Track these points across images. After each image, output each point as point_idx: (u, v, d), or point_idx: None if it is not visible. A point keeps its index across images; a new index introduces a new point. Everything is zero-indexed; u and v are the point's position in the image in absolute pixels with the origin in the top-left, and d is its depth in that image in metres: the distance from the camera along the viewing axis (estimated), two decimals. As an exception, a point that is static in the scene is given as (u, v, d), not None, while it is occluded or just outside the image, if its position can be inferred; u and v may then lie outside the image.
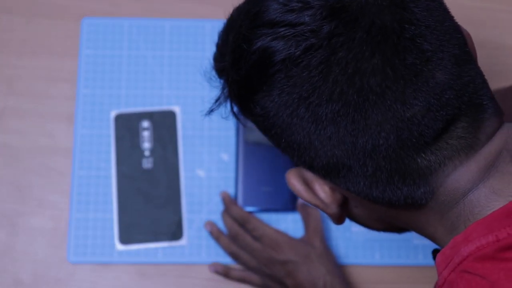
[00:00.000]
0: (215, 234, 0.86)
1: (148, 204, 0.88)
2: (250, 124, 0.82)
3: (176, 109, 0.91)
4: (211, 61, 0.62)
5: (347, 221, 0.88)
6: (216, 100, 0.59)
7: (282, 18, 0.50)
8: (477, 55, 0.57)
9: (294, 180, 0.56)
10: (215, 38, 0.93)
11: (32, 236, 0.87)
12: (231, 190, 0.89)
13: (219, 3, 0.95)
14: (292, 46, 0.50)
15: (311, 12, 0.49)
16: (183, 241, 0.87)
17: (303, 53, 0.49)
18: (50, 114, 0.91)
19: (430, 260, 0.87)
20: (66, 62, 0.92)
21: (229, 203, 0.86)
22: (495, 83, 0.93)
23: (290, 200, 0.88)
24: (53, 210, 0.88)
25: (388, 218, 0.57)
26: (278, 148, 0.56)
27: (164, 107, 0.91)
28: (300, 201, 0.87)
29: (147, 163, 0.89)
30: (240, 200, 0.87)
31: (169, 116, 0.90)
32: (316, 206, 0.56)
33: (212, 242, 0.87)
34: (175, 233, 0.87)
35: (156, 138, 0.90)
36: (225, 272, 0.84)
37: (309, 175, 0.56)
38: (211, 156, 0.90)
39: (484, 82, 0.54)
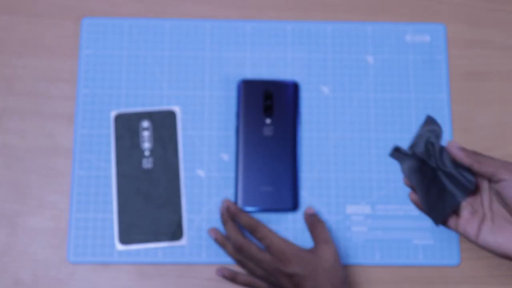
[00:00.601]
0: (220, 241, 0.85)
1: (148, 204, 0.88)
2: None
3: (176, 109, 0.91)
4: None
5: (347, 221, 0.88)
6: None
7: None
8: None
9: None
10: (215, 38, 0.93)
11: (32, 236, 0.87)
12: (231, 190, 0.89)
13: (219, 3, 0.95)
14: None
15: None
16: (183, 241, 0.87)
17: None
18: (50, 114, 0.91)
19: (430, 261, 0.87)
20: (66, 62, 0.92)
21: (236, 211, 0.84)
22: (496, 84, 0.93)
23: (290, 200, 0.88)
24: (53, 210, 0.88)
25: None
26: None
27: (164, 107, 0.91)
28: (307, 210, 0.86)
29: (147, 163, 0.89)
30: (240, 200, 0.87)
31: (169, 116, 0.90)
32: None
33: (212, 243, 0.87)
34: (175, 233, 0.87)
35: (156, 138, 0.90)
36: (232, 277, 0.84)
37: None
38: (211, 156, 0.90)
39: None
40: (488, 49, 0.94)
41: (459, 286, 0.87)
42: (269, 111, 0.89)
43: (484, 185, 0.72)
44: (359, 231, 0.88)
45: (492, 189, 0.71)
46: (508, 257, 0.69)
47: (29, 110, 0.91)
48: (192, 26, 0.94)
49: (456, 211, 0.73)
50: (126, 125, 0.90)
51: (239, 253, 0.83)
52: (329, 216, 0.88)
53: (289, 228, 0.88)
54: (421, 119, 0.91)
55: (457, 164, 0.72)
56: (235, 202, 0.88)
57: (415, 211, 0.88)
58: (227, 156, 0.90)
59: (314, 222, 0.85)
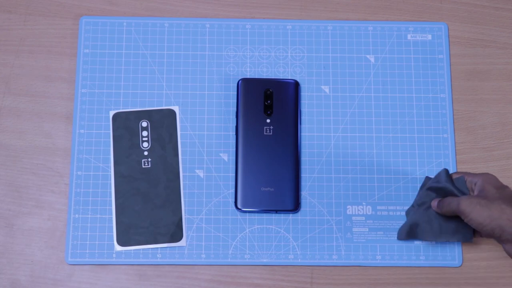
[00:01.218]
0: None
1: (147, 205, 0.87)
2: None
3: (176, 108, 0.90)
4: None
5: (348, 222, 0.87)
6: None
7: None
8: None
9: None
10: (215, 37, 0.93)
11: (29, 237, 0.87)
12: (230, 191, 0.88)
13: (219, 2, 0.94)
14: None
15: None
16: (182, 242, 0.87)
17: None
18: (48, 114, 0.90)
19: (432, 261, 0.87)
20: (64, 61, 0.92)
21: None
22: (498, 83, 0.93)
23: (290, 201, 0.87)
24: (51, 210, 0.87)
25: None
26: None
27: (164, 107, 0.90)
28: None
29: (146, 163, 0.88)
30: (239, 201, 0.87)
31: (169, 116, 0.90)
32: None
33: (212, 243, 0.87)
34: (175, 234, 0.87)
35: (155, 138, 0.89)
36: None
37: None
38: (210, 156, 0.89)
39: None
40: (490, 48, 0.94)
41: (461, 287, 0.87)
42: (269, 110, 0.89)
43: None
44: (360, 232, 0.88)
45: None
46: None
47: (27, 109, 0.90)
48: (192, 25, 0.93)
49: None
50: (125, 125, 0.89)
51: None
52: (329, 217, 0.88)
53: (290, 228, 0.88)
54: (422, 119, 0.91)
55: None
56: (235, 203, 0.87)
57: (416, 212, 0.88)
58: (227, 156, 0.89)
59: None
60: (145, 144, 0.89)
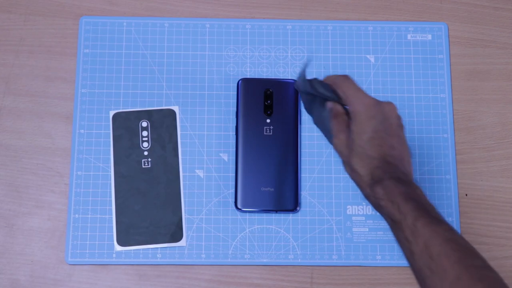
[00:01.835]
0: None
1: (147, 205, 0.87)
2: None
3: (176, 108, 0.90)
4: None
5: (348, 222, 0.87)
6: None
7: None
8: None
9: None
10: (214, 37, 0.93)
11: (29, 237, 0.87)
12: (230, 191, 0.88)
13: (219, 2, 0.94)
14: None
15: None
16: (182, 242, 0.87)
17: None
18: (48, 114, 0.90)
19: (431, 261, 0.87)
20: (64, 61, 0.92)
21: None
22: (498, 83, 0.93)
23: (290, 201, 0.87)
24: (51, 210, 0.87)
25: None
26: None
27: (164, 107, 0.90)
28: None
29: (146, 163, 0.88)
30: (239, 201, 0.87)
31: (169, 116, 0.90)
32: None
33: (212, 243, 0.87)
34: (175, 234, 0.87)
35: (155, 138, 0.89)
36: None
37: None
38: (210, 156, 0.89)
39: None
40: (490, 48, 0.94)
41: (461, 287, 0.87)
42: (269, 110, 0.89)
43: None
44: (360, 232, 0.88)
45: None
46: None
47: (27, 109, 0.90)
48: (192, 25, 0.93)
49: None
50: (125, 125, 0.89)
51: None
52: (329, 217, 0.88)
53: (290, 228, 0.87)
54: (422, 119, 0.90)
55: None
56: (235, 203, 0.87)
57: (416, 212, 0.88)
58: (227, 156, 0.89)
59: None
60: (145, 144, 0.89)
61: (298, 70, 0.86)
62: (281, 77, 0.92)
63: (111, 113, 0.90)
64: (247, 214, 0.88)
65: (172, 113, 0.90)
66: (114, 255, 0.86)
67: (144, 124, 0.90)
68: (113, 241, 0.86)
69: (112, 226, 0.87)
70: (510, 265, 0.88)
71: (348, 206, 0.88)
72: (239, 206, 0.87)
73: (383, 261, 0.87)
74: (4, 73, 0.91)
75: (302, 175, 0.89)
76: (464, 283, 0.60)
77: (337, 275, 0.87)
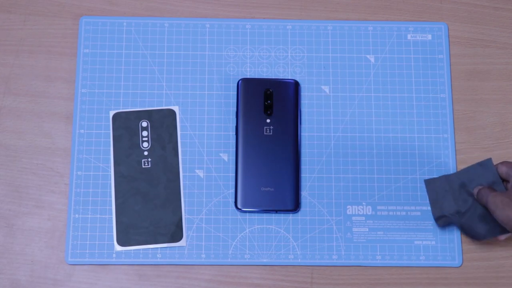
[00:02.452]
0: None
1: (147, 205, 0.87)
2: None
3: (176, 108, 0.90)
4: None
5: (348, 222, 0.87)
6: None
7: None
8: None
9: None
10: (214, 37, 0.93)
11: (29, 237, 0.87)
12: (230, 191, 0.88)
13: (219, 2, 0.94)
14: None
15: None
16: (182, 242, 0.87)
17: None
18: (48, 114, 0.90)
19: (432, 261, 0.87)
20: (64, 61, 0.92)
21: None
22: (498, 83, 0.93)
23: (290, 201, 0.87)
24: (51, 210, 0.87)
25: None
26: None
27: (164, 107, 0.90)
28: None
29: (146, 163, 0.88)
30: (239, 201, 0.87)
31: (169, 116, 0.90)
32: None
33: (212, 243, 0.87)
34: (175, 234, 0.87)
35: (155, 138, 0.89)
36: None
37: None
38: (210, 156, 0.89)
39: None
40: (490, 48, 0.94)
41: (461, 287, 0.87)
42: (269, 110, 0.89)
43: None
44: (360, 232, 0.88)
45: None
46: None
47: (27, 109, 0.90)
48: (192, 25, 0.93)
49: None
50: (125, 125, 0.89)
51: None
52: (329, 217, 0.88)
53: (290, 228, 0.87)
54: (422, 119, 0.91)
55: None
56: (235, 203, 0.87)
57: (416, 212, 0.88)
58: (227, 156, 0.89)
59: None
60: (145, 144, 0.89)
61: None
62: (281, 77, 0.92)
63: (111, 113, 0.90)
64: (247, 214, 0.88)
65: (172, 113, 0.90)
66: (114, 255, 0.86)
67: (144, 124, 0.90)
68: (113, 241, 0.86)
69: (112, 226, 0.87)
70: (510, 265, 0.88)
71: (348, 206, 0.88)
72: (239, 206, 0.87)
73: (383, 261, 0.87)
74: (4, 73, 0.91)
75: (302, 175, 0.89)
76: None
77: (337, 275, 0.87)
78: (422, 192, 0.89)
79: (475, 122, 0.91)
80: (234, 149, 0.89)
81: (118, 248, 0.86)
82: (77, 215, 0.87)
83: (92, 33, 0.92)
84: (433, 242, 0.87)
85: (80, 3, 0.94)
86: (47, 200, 0.88)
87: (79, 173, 0.88)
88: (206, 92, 0.91)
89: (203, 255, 0.87)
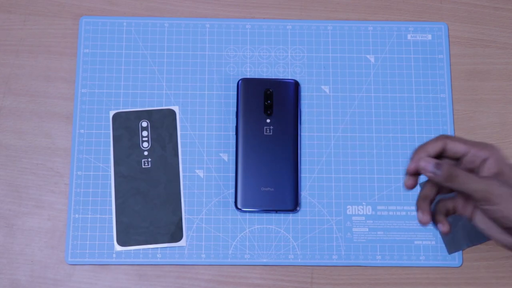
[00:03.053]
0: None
1: (147, 205, 0.87)
2: None
3: (176, 108, 0.90)
4: None
5: (348, 222, 0.87)
6: None
7: None
8: None
9: None
10: (214, 37, 0.93)
11: (29, 237, 0.87)
12: (230, 191, 0.88)
13: (219, 2, 0.94)
14: None
15: None
16: (182, 242, 0.87)
17: None
18: (48, 114, 0.90)
19: (432, 261, 0.87)
20: (64, 61, 0.92)
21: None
22: (498, 83, 0.93)
23: (290, 201, 0.87)
24: (51, 210, 0.87)
25: None
26: None
27: (164, 107, 0.90)
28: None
29: (146, 163, 0.88)
30: (239, 200, 0.87)
31: (169, 116, 0.90)
32: None
33: (212, 243, 0.87)
34: (174, 234, 0.87)
35: (155, 138, 0.89)
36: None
37: None
38: (210, 156, 0.89)
39: None
40: (490, 48, 0.94)
41: (461, 287, 0.87)
42: (269, 110, 0.89)
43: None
44: (360, 232, 0.88)
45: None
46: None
47: (27, 109, 0.90)
48: (192, 25, 0.93)
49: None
50: (125, 125, 0.89)
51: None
52: (329, 217, 0.88)
53: (290, 228, 0.87)
54: (422, 119, 0.90)
55: None
56: (235, 203, 0.87)
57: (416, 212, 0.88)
58: (227, 156, 0.89)
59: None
60: (145, 144, 0.89)
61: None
62: (281, 77, 0.92)
63: (111, 113, 0.90)
64: (247, 214, 0.88)
65: (172, 113, 0.90)
66: (114, 255, 0.86)
67: (144, 124, 0.89)
68: (113, 241, 0.86)
69: (112, 226, 0.87)
70: (510, 265, 0.88)
71: (348, 206, 0.88)
72: (239, 206, 0.87)
73: (383, 261, 0.87)
74: (4, 73, 0.91)
75: (302, 175, 0.89)
76: None
77: (337, 275, 0.87)
78: (422, 192, 0.88)
79: (475, 122, 0.91)
80: (234, 149, 0.89)
81: (118, 248, 0.86)
82: (77, 215, 0.87)
83: (92, 33, 0.92)
84: (433, 242, 0.87)
85: (80, 3, 0.94)
86: (47, 200, 0.88)
87: (79, 173, 0.88)
88: (206, 92, 0.91)
89: (203, 255, 0.87)
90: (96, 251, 0.86)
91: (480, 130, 0.91)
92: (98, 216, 0.87)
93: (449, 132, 0.90)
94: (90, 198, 0.87)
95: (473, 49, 0.94)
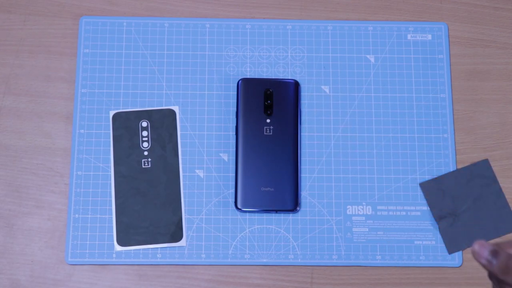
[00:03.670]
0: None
1: (147, 205, 0.87)
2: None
3: (176, 108, 0.90)
4: None
5: (348, 222, 0.87)
6: None
7: None
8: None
9: None
10: (214, 37, 0.93)
11: (29, 237, 0.87)
12: (230, 191, 0.88)
13: (219, 2, 0.94)
14: None
15: None
16: (182, 242, 0.87)
17: None
18: (48, 114, 0.90)
19: (432, 261, 0.87)
20: (64, 61, 0.92)
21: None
22: (498, 83, 0.93)
23: (290, 201, 0.87)
24: (51, 210, 0.87)
25: None
26: None
27: (164, 107, 0.90)
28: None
29: (146, 163, 0.88)
30: (239, 200, 0.87)
31: (169, 116, 0.90)
32: None
33: (212, 243, 0.87)
34: (175, 234, 0.87)
35: (155, 138, 0.89)
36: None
37: None
38: (210, 156, 0.89)
39: None
40: (490, 48, 0.94)
41: (461, 287, 0.87)
42: (269, 110, 0.89)
43: None
44: (360, 232, 0.88)
45: None
46: None
47: (27, 109, 0.90)
48: (192, 25, 0.93)
49: None
50: (125, 125, 0.89)
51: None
52: (329, 217, 0.88)
53: (290, 228, 0.87)
54: (422, 119, 0.91)
55: None
56: (235, 203, 0.87)
57: (416, 212, 0.88)
58: (227, 156, 0.89)
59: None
60: (145, 144, 0.89)
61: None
62: (281, 77, 0.92)
63: (111, 113, 0.90)
64: (247, 214, 0.88)
65: (172, 113, 0.90)
66: (114, 255, 0.86)
67: (144, 124, 0.89)
68: (113, 241, 0.86)
69: (112, 226, 0.87)
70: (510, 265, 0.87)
71: (348, 206, 0.88)
72: (239, 206, 0.87)
73: (383, 261, 0.87)
74: (4, 73, 0.91)
75: (302, 175, 0.89)
76: None
77: (337, 275, 0.87)
78: (422, 192, 0.88)
79: (475, 122, 0.91)
80: (234, 149, 0.89)
81: (118, 248, 0.86)
82: (77, 215, 0.87)
83: (92, 33, 0.92)
84: (433, 242, 0.87)
85: (80, 3, 0.94)
86: (47, 200, 0.88)
87: (79, 173, 0.88)
88: (206, 92, 0.91)
89: (203, 255, 0.87)
90: (96, 251, 0.86)
91: (480, 130, 0.91)
92: (98, 216, 0.87)
93: (449, 132, 0.90)
94: (90, 198, 0.87)
95: (473, 49, 0.94)
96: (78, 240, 0.86)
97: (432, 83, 0.92)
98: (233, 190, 0.88)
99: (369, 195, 0.88)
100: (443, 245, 0.87)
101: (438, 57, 0.93)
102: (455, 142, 0.90)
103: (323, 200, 0.88)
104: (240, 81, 0.90)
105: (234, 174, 0.89)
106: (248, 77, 0.91)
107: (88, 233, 0.87)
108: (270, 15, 0.94)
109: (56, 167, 0.89)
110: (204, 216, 0.88)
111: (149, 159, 0.88)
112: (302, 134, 0.90)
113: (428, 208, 0.88)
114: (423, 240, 0.87)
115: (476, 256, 0.60)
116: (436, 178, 0.87)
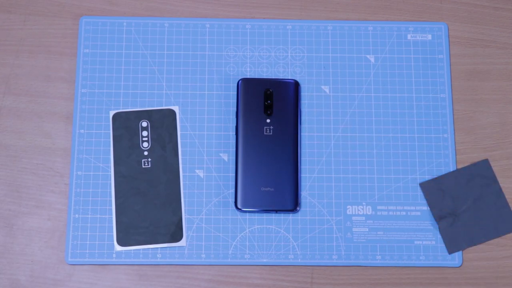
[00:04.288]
0: None
1: (147, 205, 0.87)
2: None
3: (176, 108, 0.90)
4: None
5: (348, 222, 0.87)
6: None
7: None
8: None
9: None
10: (214, 37, 0.93)
11: (29, 237, 0.87)
12: (230, 191, 0.88)
13: (219, 2, 0.94)
14: None
15: None
16: (182, 242, 0.87)
17: None
18: (48, 114, 0.90)
19: (432, 261, 0.87)
20: (64, 61, 0.92)
21: None
22: (498, 83, 0.93)
23: (290, 200, 0.87)
24: (51, 210, 0.87)
25: None
26: None
27: (164, 107, 0.90)
28: None
29: (146, 163, 0.88)
30: (239, 200, 0.87)
31: (169, 116, 0.90)
32: None
33: (212, 243, 0.87)
34: (174, 234, 0.87)
35: (155, 138, 0.89)
36: None
37: None
38: (210, 156, 0.89)
39: None
40: (490, 48, 0.94)
41: (461, 287, 0.87)
42: (269, 110, 0.89)
43: None
44: (360, 232, 0.88)
45: None
46: None
47: (27, 109, 0.90)
48: (192, 25, 0.93)
49: None
50: (125, 125, 0.89)
51: None
52: (329, 217, 0.88)
53: (290, 228, 0.87)
54: (422, 119, 0.91)
55: None
56: (235, 203, 0.87)
57: (416, 212, 0.88)
58: (227, 156, 0.89)
59: None
60: (145, 144, 0.89)
61: None
62: (281, 77, 0.92)
63: (111, 113, 0.90)
64: (247, 214, 0.88)
65: (172, 113, 0.90)
66: (114, 255, 0.86)
67: (144, 124, 0.90)
68: (113, 241, 0.86)
69: (112, 226, 0.87)
70: (510, 265, 0.88)
71: (348, 206, 0.88)
72: (239, 206, 0.87)
73: (383, 261, 0.87)
74: (4, 73, 0.91)
75: (302, 175, 0.89)
76: None
77: (337, 275, 0.87)
78: (422, 192, 0.89)
79: (475, 122, 0.91)
80: (234, 149, 0.89)
81: (118, 248, 0.86)
82: (77, 215, 0.87)
83: (92, 33, 0.92)
84: (433, 242, 0.87)
85: (80, 3, 0.94)
86: (47, 200, 0.88)
87: (79, 173, 0.88)
88: (206, 92, 0.91)
89: (203, 255, 0.87)
90: (96, 251, 0.86)
91: (480, 130, 0.91)
92: (98, 216, 0.87)
93: (449, 132, 0.90)
94: (90, 198, 0.87)
95: (473, 49, 0.94)
96: (78, 240, 0.86)
97: (432, 83, 0.92)
98: (233, 190, 0.88)
99: (369, 195, 0.88)
100: (443, 245, 0.87)
101: (438, 57, 0.93)
102: (455, 142, 0.90)
103: (323, 200, 0.88)
104: (240, 81, 0.90)
105: (234, 174, 0.89)
106: (248, 77, 0.91)
107: (88, 233, 0.87)
108: (270, 15, 0.94)
109: (56, 167, 0.89)
110: (204, 216, 0.88)
111: (149, 159, 0.88)
112: (302, 134, 0.90)
113: (428, 208, 0.88)
114: (423, 240, 0.87)
115: None
116: (436, 178, 0.88)
